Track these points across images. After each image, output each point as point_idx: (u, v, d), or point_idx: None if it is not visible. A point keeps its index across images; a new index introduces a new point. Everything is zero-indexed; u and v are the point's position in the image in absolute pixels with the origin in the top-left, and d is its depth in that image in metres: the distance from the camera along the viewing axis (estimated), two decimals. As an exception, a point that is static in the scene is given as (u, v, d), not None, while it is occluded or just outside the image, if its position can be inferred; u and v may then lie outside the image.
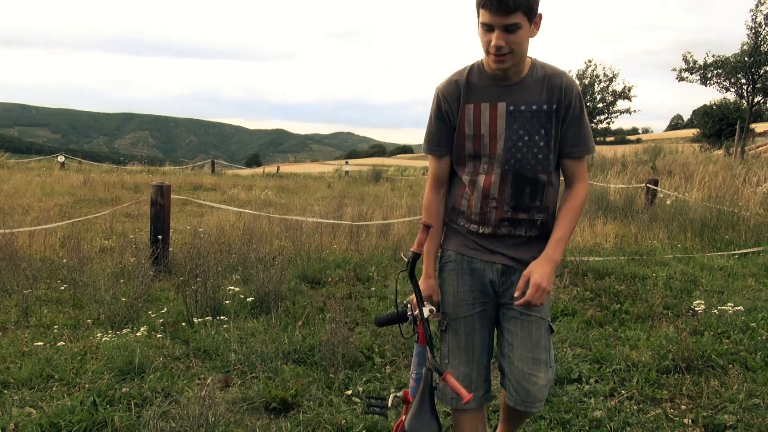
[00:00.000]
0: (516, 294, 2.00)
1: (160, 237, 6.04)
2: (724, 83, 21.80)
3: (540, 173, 2.03)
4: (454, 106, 2.06)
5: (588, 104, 36.31)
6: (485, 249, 2.10)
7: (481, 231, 2.09)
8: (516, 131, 1.99)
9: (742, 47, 20.78)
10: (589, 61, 36.26)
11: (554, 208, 2.13)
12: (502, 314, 2.15)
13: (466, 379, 2.16)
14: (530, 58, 2.02)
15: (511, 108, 1.98)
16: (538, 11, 1.89)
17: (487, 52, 1.92)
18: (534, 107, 1.98)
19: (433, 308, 2.01)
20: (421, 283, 2.15)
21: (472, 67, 2.07)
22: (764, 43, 20.33)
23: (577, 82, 2.00)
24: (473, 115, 2.02)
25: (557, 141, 2.03)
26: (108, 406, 3.08)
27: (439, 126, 2.11)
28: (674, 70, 22.54)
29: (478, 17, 1.90)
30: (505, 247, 2.08)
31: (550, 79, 1.99)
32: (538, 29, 1.93)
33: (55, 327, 4.28)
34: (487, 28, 1.87)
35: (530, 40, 1.94)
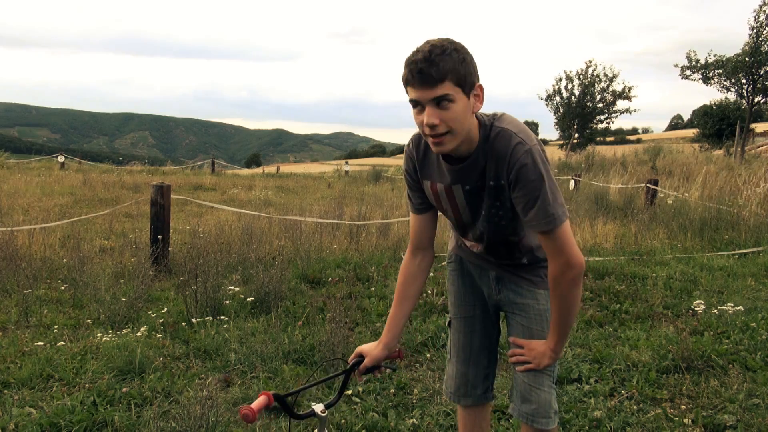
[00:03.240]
0: (511, 360, 2.02)
1: (160, 237, 6.04)
2: (725, 83, 21.84)
3: (509, 236, 1.95)
4: (414, 176, 1.98)
5: (588, 104, 36.42)
6: (479, 261, 2.10)
7: (474, 250, 2.08)
8: (475, 205, 1.90)
9: (743, 47, 20.81)
10: (590, 62, 36.49)
11: (537, 245, 1.97)
12: (507, 321, 2.13)
13: (462, 378, 2.17)
14: (484, 119, 1.79)
15: (468, 187, 1.87)
16: (478, 82, 1.69)
17: (425, 134, 1.73)
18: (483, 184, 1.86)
19: (322, 408, 1.73)
20: (368, 345, 2.00)
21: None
22: (765, 43, 20.35)
23: (535, 147, 1.74)
24: (431, 190, 1.95)
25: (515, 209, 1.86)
26: (108, 406, 3.08)
27: (409, 182, 2.01)
28: (676, 66, 22.60)
29: (408, 96, 1.72)
30: (496, 267, 2.07)
31: (497, 154, 1.77)
32: (481, 102, 1.72)
33: (55, 327, 4.28)
34: (418, 106, 1.69)
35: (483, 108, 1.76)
